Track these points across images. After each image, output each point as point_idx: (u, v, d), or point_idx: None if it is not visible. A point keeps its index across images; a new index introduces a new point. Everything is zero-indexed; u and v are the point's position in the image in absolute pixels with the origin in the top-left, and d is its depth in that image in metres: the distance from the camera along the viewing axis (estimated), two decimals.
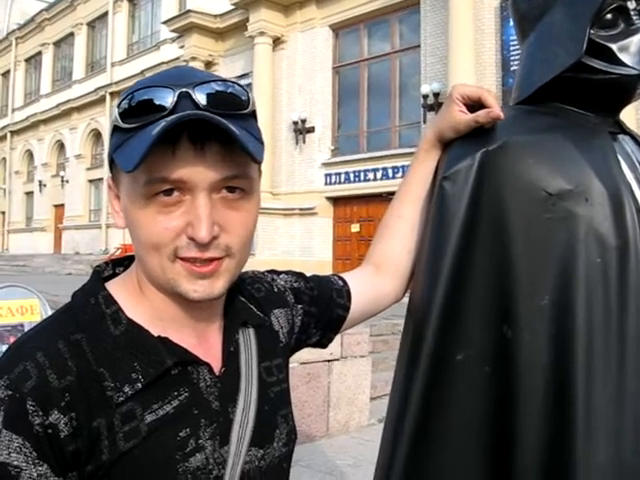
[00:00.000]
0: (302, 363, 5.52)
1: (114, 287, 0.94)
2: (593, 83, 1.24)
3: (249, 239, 0.92)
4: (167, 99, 0.83)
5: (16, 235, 37.83)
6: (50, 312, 6.20)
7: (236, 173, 0.86)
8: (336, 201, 19.22)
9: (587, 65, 1.22)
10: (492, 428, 1.15)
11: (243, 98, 0.88)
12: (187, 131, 0.82)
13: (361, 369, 6.21)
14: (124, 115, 0.85)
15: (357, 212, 18.63)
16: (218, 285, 0.89)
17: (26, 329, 5.99)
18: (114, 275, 0.99)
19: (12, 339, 5.94)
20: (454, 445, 1.17)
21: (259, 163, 0.89)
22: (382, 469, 1.27)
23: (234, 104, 0.87)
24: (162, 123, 0.81)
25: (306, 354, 5.40)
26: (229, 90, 0.87)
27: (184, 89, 0.84)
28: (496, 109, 1.18)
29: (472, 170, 1.19)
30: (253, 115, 0.91)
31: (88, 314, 0.90)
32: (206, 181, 0.84)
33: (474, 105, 1.22)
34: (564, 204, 1.16)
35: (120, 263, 1.01)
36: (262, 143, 0.90)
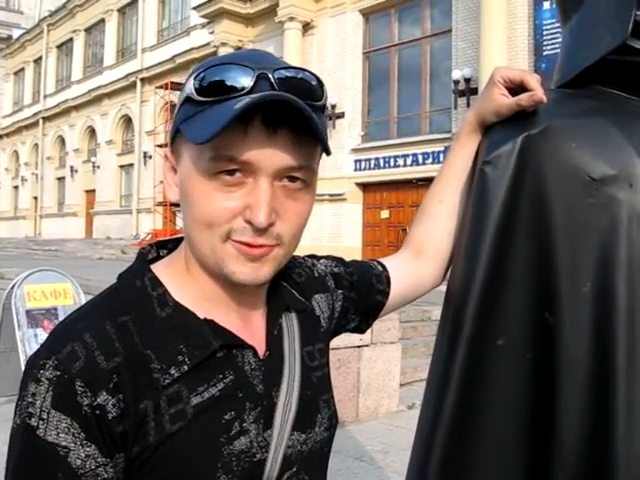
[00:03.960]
0: (332, 349, 5.49)
1: (160, 269, 0.94)
2: (637, 66, 1.22)
3: (301, 230, 0.92)
4: (247, 78, 0.83)
5: (48, 220, 38.37)
6: (83, 296, 6.30)
7: (302, 164, 0.86)
8: (366, 187, 19.20)
9: (632, 47, 1.19)
10: (532, 415, 1.14)
11: (318, 89, 0.88)
12: (261, 113, 0.81)
13: (391, 355, 6.22)
14: (200, 88, 0.84)
15: (387, 198, 18.61)
16: (264, 271, 0.88)
17: (59, 313, 6.09)
18: (158, 258, 0.99)
19: (46, 322, 6.04)
20: (494, 430, 1.16)
21: (329, 154, 0.88)
22: (419, 453, 1.26)
23: (310, 93, 0.86)
24: (245, 99, 0.80)
25: (336, 340, 5.35)
26: (306, 78, 0.87)
27: (264, 71, 0.84)
28: (539, 92, 1.15)
29: (513, 154, 1.17)
30: (324, 109, 0.91)
31: (134, 296, 0.90)
32: (272, 167, 0.84)
33: (516, 88, 1.20)
34: (607, 189, 1.14)
35: (164, 246, 1.01)
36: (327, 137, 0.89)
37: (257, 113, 0.81)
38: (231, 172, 0.84)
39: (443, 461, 1.19)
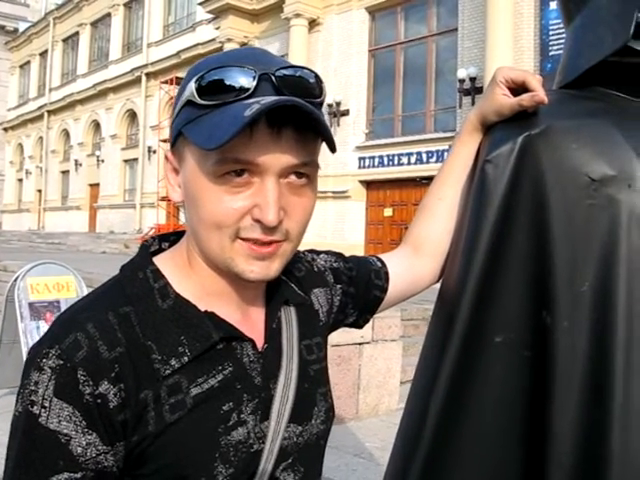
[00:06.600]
0: (333, 345, 5.54)
1: (162, 262, 0.95)
2: (639, 67, 1.22)
3: (306, 225, 0.93)
4: (248, 80, 0.84)
5: (52, 213, 38.39)
6: (85, 289, 6.31)
7: (307, 160, 0.88)
8: (369, 185, 19.20)
9: (633, 49, 1.19)
10: (527, 413, 1.14)
11: (317, 87, 0.90)
12: (265, 115, 0.82)
13: (392, 353, 6.22)
14: (202, 91, 0.85)
15: (390, 196, 18.62)
16: (274, 267, 0.90)
17: (62, 305, 6.10)
18: (160, 250, 1.01)
19: (48, 315, 6.05)
20: (485, 426, 1.16)
21: (334, 151, 0.88)
22: (403, 450, 1.27)
23: (309, 90, 0.88)
24: (254, 105, 0.81)
25: (337, 337, 5.41)
26: (305, 77, 0.89)
27: (265, 72, 0.85)
28: (540, 93, 1.16)
29: (513, 154, 1.17)
30: (322, 105, 0.92)
31: (136, 288, 0.91)
32: (279, 166, 0.85)
33: (518, 89, 1.20)
34: (607, 190, 1.15)
35: (166, 238, 1.03)
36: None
37: (262, 116, 0.82)
38: (238, 173, 0.85)
39: (428, 458, 1.19)
